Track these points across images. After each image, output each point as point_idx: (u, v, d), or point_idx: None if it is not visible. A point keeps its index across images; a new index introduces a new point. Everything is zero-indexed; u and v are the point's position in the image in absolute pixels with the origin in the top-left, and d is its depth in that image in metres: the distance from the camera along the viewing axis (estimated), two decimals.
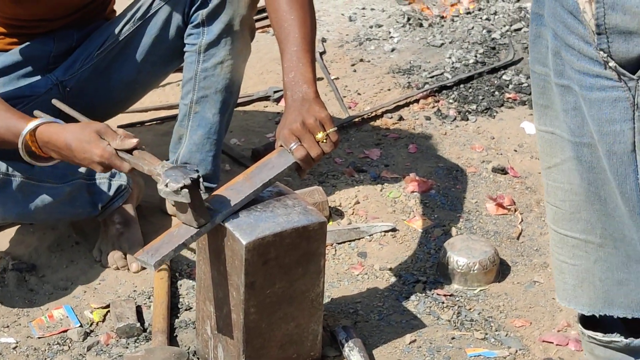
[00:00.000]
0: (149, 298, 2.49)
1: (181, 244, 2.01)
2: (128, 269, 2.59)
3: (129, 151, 2.15)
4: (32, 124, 2.20)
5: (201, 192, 2.03)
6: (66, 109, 2.32)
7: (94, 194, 2.60)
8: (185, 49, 2.64)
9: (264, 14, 3.68)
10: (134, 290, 2.53)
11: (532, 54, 1.69)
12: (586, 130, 1.60)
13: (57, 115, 2.32)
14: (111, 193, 2.61)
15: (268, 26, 3.82)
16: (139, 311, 2.44)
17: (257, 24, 3.83)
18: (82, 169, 2.57)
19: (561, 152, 1.69)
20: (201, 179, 2.03)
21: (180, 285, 2.54)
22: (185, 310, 2.46)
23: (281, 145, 2.17)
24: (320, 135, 2.13)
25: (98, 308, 2.46)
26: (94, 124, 2.21)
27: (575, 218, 1.72)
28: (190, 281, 2.54)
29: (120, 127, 3.21)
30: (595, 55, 1.52)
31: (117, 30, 2.66)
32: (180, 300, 2.49)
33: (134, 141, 2.14)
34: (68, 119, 2.30)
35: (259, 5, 2.65)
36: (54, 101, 2.38)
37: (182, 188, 1.98)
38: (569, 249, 1.77)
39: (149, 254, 2.01)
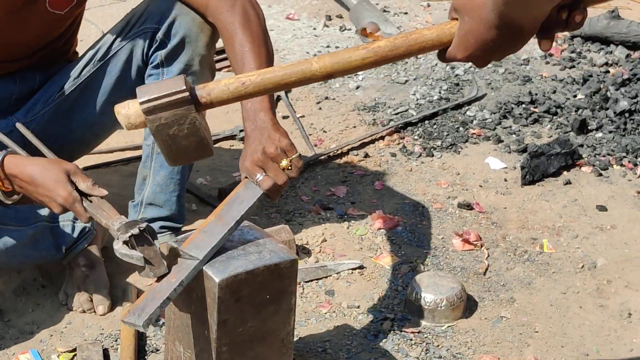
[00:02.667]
0: (116, 341, 2.47)
1: (166, 299, 1.99)
2: (94, 312, 2.57)
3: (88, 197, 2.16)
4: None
5: (155, 242, 2.03)
6: (29, 135, 2.32)
7: (57, 237, 2.58)
8: None
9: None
10: (101, 333, 2.51)
11: None
12: None
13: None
14: (75, 235, 2.59)
15: None
16: (106, 355, 2.42)
17: (223, 64, 3.85)
18: (45, 212, 2.55)
19: None
20: (150, 229, 2.04)
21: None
22: (153, 352, 2.44)
23: (246, 177, 2.16)
24: (284, 163, 2.12)
25: (65, 352, 2.44)
26: (64, 162, 2.21)
27: None
28: (159, 322, 2.52)
29: (85, 168, 3.20)
30: None
31: (77, 72, 2.66)
32: (148, 342, 2.47)
33: (104, 192, 2.15)
34: (32, 149, 2.30)
35: (218, 45, 2.67)
36: (18, 125, 2.37)
37: (131, 237, 2.00)
38: None
39: (135, 314, 1.99)
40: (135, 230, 2.01)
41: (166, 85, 1.83)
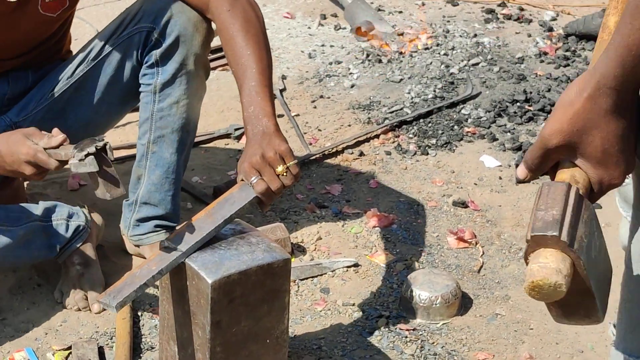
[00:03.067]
0: (111, 339, 2.48)
1: (143, 284, 2.01)
2: (90, 310, 2.58)
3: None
4: None
5: (110, 160, 2.06)
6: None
7: (50, 236, 2.58)
8: (140, 89, 2.64)
9: (222, 52, 3.69)
10: (96, 331, 2.51)
11: None
12: None
13: None
14: (68, 234, 2.59)
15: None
16: (101, 352, 2.43)
17: (218, 62, 3.85)
18: (38, 212, 2.55)
19: None
20: (108, 146, 2.08)
21: (143, 325, 2.52)
22: (148, 350, 2.44)
23: (242, 180, 2.18)
24: (280, 169, 2.13)
25: (60, 350, 2.44)
26: (22, 129, 2.28)
27: None
28: (153, 320, 2.53)
29: None
30: None
31: (70, 71, 2.66)
32: (143, 340, 2.48)
33: (60, 137, 2.20)
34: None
35: (216, 44, 2.67)
36: None
37: (87, 156, 2.01)
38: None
39: (111, 296, 2.00)
40: (92, 148, 2.03)
41: (552, 199, 1.30)
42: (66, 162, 2.17)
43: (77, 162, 2.05)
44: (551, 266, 1.25)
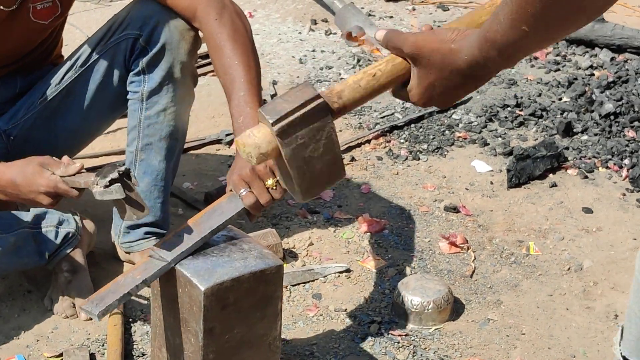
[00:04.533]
0: (103, 345, 2.47)
1: (126, 293, 2.00)
2: (78, 317, 2.57)
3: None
4: None
5: (134, 185, 2.04)
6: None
7: (40, 243, 2.56)
8: (128, 97, 2.63)
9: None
10: (87, 338, 2.50)
11: None
12: None
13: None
14: (58, 241, 2.58)
15: None
16: (92, 359, 2.42)
17: (209, 68, 3.84)
18: (28, 218, 2.54)
19: None
20: (132, 172, 2.06)
21: (135, 332, 2.52)
22: (140, 357, 2.43)
23: (231, 190, 2.17)
24: (270, 182, 2.13)
25: (51, 357, 2.43)
26: (37, 157, 2.22)
27: None
28: (145, 327, 2.52)
29: None
30: None
31: (59, 78, 2.65)
32: (135, 346, 2.47)
33: (77, 165, 2.17)
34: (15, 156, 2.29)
35: (203, 50, 2.66)
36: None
37: (111, 182, 1.99)
38: None
39: (94, 303, 1.99)
40: (115, 174, 2.01)
41: (295, 96, 1.57)
42: (84, 189, 2.14)
43: (102, 189, 2.02)
44: (254, 139, 1.58)
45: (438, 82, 1.55)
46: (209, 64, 3.82)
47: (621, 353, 1.78)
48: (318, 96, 1.56)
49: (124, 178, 2.03)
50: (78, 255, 2.62)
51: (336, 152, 1.64)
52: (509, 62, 1.46)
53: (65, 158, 2.20)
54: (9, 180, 2.20)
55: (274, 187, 2.14)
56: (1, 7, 2.46)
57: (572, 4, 1.29)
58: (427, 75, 1.55)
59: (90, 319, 2.55)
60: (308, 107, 1.56)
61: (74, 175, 2.15)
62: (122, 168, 2.03)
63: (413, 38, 1.56)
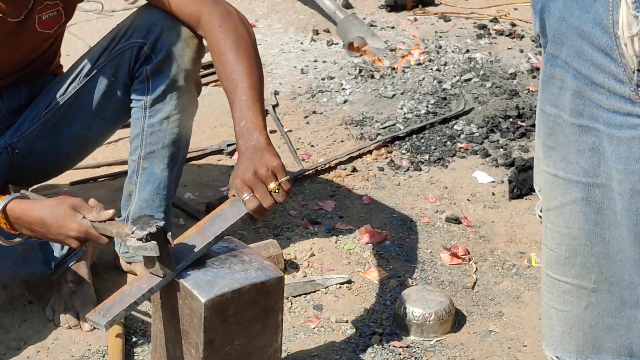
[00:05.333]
0: (103, 357, 2.46)
1: (132, 302, 2.00)
2: (81, 328, 2.56)
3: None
4: (2, 201, 2.18)
5: (170, 243, 2.02)
6: (34, 196, 2.30)
7: (46, 253, 2.57)
8: (131, 105, 2.63)
9: (214, 69, 3.68)
10: (88, 349, 2.50)
11: (543, 95, 1.71)
12: (602, 171, 1.63)
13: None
14: (64, 251, 2.58)
15: None
16: None
17: (210, 78, 3.85)
18: None
19: (562, 195, 1.71)
20: (169, 231, 2.03)
21: (135, 343, 2.51)
22: None
23: (234, 195, 2.17)
24: (272, 185, 2.13)
25: None
26: (68, 198, 2.19)
27: (569, 263, 1.74)
28: (145, 339, 2.51)
29: (73, 183, 3.19)
30: (628, 94, 1.55)
31: (63, 89, 2.66)
32: (135, 358, 2.46)
33: (110, 212, 2.13)
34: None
35: (207, 59, 2.66)
36: (23, 191, 2.34)
37: (147, 237, 1.97)
38: (559, 294, 1.77)
39: (100, 314, 1.99)
40: (153, 229, 1.98)
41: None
42: (113, 237, 2.12)
43: (138, 245, 1.99)
44: None
45: None
46: (211, 73, 3.82)
47: (554, 354, 1.81)
48: None
49: (160, 234, 2.01)
50: (82, 267, 2.62)
51: None
52: None
53: (93, 201, 2.17)
54: (38, 219, 2.18)
55: (277, 191, 2.14)
56: (8, 19, 2.47)
57: None
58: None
59: (93, 329, 2.55)
60: None
61: (105, 222, 2.13)
62: (161, 224, 2.00)
63: None
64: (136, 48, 2.58)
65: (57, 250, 2.57)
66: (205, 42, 2.55)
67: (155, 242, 1.97)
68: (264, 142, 2.22)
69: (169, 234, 2.03)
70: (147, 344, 2.50)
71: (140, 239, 1.97)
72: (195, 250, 2.06)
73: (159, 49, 2.54)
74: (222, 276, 2.04)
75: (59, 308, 2.58)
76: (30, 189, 3.14)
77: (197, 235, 2.10)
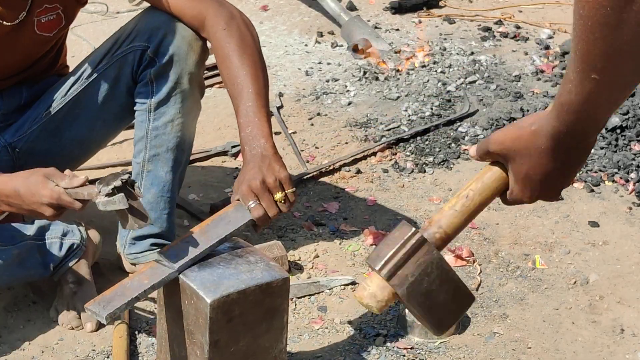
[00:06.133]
0: (108, 357, 2.46)
1: (134, 297, 2.00)
2: (83, 328, 2.56)
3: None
4: None
5: (138, 195, 2.03)
6: None
7: (44, 255, 2.56)
8: (135, 108, 2.63)
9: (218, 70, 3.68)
10: (93, 350, 2.50)
11: None
12: None
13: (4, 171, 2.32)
14: (63, 252, 2.58)
15: None
16: None
17: (214, 80, 3.85)
18: (31, 231, 2.54)
19: None
20: (136, 182, 2.05)
21: (140, 343, 2.51)
22: None
23: (238, 200, 2.17)
24: (279, 196, 2.14)
25: None
26: (41, 169, 2.21)
27: None
28: (150, 339, 2.51)
29: None
30: None
31: (65, 90, 2.66)
32: (140, 358, 2.46)
33: (81, 178, 2.15)
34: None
35: (211, 61, 2.66)
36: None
37: (114, 190, 1.98)
38: None
39: (101, 305, 1.98)
40: (118, 182, 2.00)
41: (393, 238, 1.60)
42: (88, 201, 2.13)
43: (105, 200, 2.00)
44: (369, 290, 1.59)
45: (532, 171, 1.48)
46: (215, 75, 3.82)
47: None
48: (415, 232, 1.58)
49: (128, 187, 2.02)
50: (83, 267, 2.62)
51: (455, 280, 1.63)
52: (594, 124, 1.38)
53: (68, 171, 2.19)
54: (12, 190, 2.19)
55: (282, 201, 2.15)
56: (5, 22, 2.47)
57: (628, 34, 1.21)
58: (520, 167, 1.50)
59: (96, 330, 2.55)
60: (408, 246, 1.58)
61: (78, 187, 2.14)
62: (125, 177, 2.01)
63: (495, 136, 1.54)
64: (139, 51, 2.58)
65: (56, 252, 2.57)
66: (209, 45, 2.55)
67: (123, 195, 1.98)
68: (271, 151, 2.23)
69: (136, 184, 2.05)
70: (151, 344, 2.50)
71: (107, 195, 1.99)
72: (198, 250, 2.07)
73: (163, 52, 2.54)
74: (227, 277, 2.04)
75: (62, 309, 2.58)
76: None
77: (200, 236, 2.10)
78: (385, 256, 1.58)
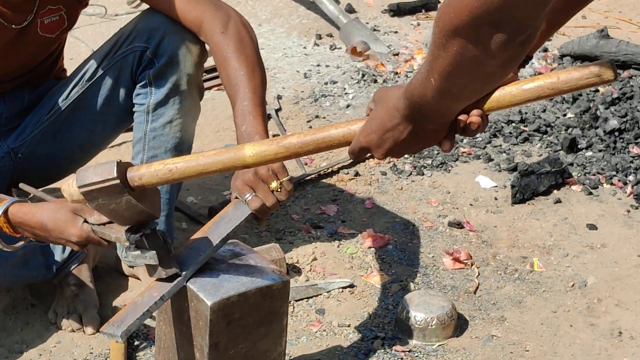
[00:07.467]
0: None
1: (146, 311, 2.00)
2: (83, 332, 2.56)
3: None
4: (3, 205, 2.18)
5: (167, 244, 2.03)
6: (33, 190, 2.30)
7: (48, 256, 2.57)
8: (134, 109, 2.63)
9: (217, 73, 3.68)
10: (91, 353, 2.50)
11: None
12: None
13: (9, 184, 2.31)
14: (65, 255, 2.58)
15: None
16: None
17: (213, 82, 3.85)
18: None
19: None
20: (160, 232, 2.03)
21: (137, 347, 2.51)
22: None
23: (236, 197, 2.17)
24: (274, 185, 2.14)
25: None
26: (69, 203, 2.19)
27: None
28: (148, 342, 2.51)
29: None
30: None
31: (65, 93, 2.66)
32: None
33: None
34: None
35: (210, 63, 2.66)
36: (22, 185, 2.35)
37: (143, 238, 1.98)
38: None
39: (115, 325, 1.99)
40: (147, 230, 2.00)
41: (100, 171, 1.93)
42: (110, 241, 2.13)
43: (136, 254, 2.01)
44: (69, 190, 2.00)
45: (386, 118, 1.80)
46: (214, 78, 3.83)
47: None
48: (115, 178, 1.91)
49: (156, 233, 2.01)
50: (84, 270, 2.63)
51: (140, 208, 1.95)
52: (424, 113, 1.73)
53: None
54: (39, 223, 2.18)
55: (279, 190, 2.15)
56: (12, 25, 2.47)
57: (466, 67, 1.58)
58: (377, 111, 1.82)
59: (95, 333, 2.55)
60: (105, 184, 1.92)
61: (105, 225, 2.13)
62: (153, 224, 2.01)
63: (378, 91, 1.85)
64: (138, 52, 2.58)
65: (59, 254, 2.58)
66: (207, 47, 2.55)
67: (155, 252, 1.99)
68: None
69: (168, 237, 2.04)
70: (149, 347, 2.50)
71: (135, 246, 1.99)
72: (202, 254, 2.07)
73: (161, 53, 2.54)
74: (228, 279, 2.04)
75: (62, 311, 2.58)
76: None
77: (203, 240, 2.10)
78: (86, 181, 1.94)
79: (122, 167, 1.93)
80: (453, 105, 1.72)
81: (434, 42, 1.61)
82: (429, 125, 1.76)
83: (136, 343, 2.52)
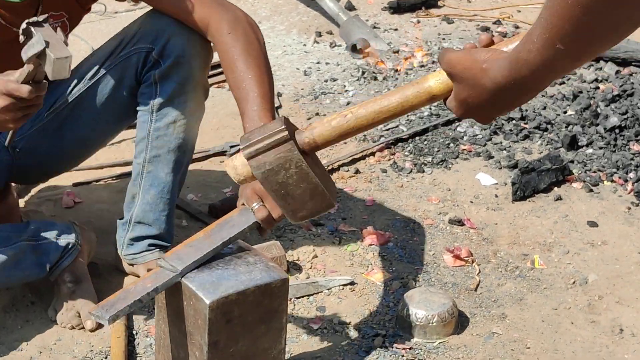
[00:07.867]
0: (106, 358, 2.46)
1: (137, 300, 2.00)
2: (83, 327, 2.56)
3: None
4: None
5: (58, 32, 2.06)
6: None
7: (40, 255, 2.56)
8: (138, 108, 2.63)
9: (218, 70, 3.69)
10: (91, 350, 2.50)
11: None
12: None
13: None
14: (58, 252, 2.57)
15: (223, 81, 3.83)
16: None
17: (212, 80, 3.84)
18: (27, 231, 2.53)
19: None
20: (50, 19, 2.08)
21: (138, 344, 2.51)
22: None
23: (243, 204, 2.17)
24: None
25: None
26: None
27: None
28: (148, 339, 2.51)
29: (75, 184, 3.19)
30: None
31: (67, 90, 2.65)
32: (138, 359, 2.46)
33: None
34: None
35: (212, 60, 2.66)
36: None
37: (27, 24, 2.02)
38: None
39: (104, 309, 1.99)
40: (33, 18, 2.04)
41: (266, 127, 1.83)
42: (39, 82, 2.15)
43: (30, 44, 2.03)
44: (234, 163, 1.87)
45: (470, 99, 1.61)
46: (214, 75, 3.82)
47: None
48: (283, 129, 1.80)
49: (42, 23, 2.05)
50: (80, 266, 2.62)
51: (312, 182, 1.84)
52: (541, 83, 1.50)
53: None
54: None
55: None
56: (14, 28, 2.46)
57: (606, 21, 1.29)
58: (461, 91, 1.63)
59: (96, 329, 2.55)
60: (273, 138, 1.80)
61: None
62: (42, 18, 2.04)
63: (448, 56, 1.65)
64: (144, 53, 2.57)
65: (52, 252, 2.56)
66: (213, 47, 2.54)
67: (40, 34, 2.03)
68: None
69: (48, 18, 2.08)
70: (150, 345, 2.49)
71: (23, 35, 2.02)
72: (202, 254, 2.06)
73: (168, 54, 2.53)
74: (226, 277, 2.04)
75: (60, 308, 2.58)
76: (33, 189, 3.15)
77: (204, 240, 2.10)
78: (251, 140, 1.82)
79: (290, 125, 1.83)
80: (570, 70, 1.54)
81: (570, 7, 1.30)
82: (530, 94, 1.57)
83: (137, 341, 2.52)
